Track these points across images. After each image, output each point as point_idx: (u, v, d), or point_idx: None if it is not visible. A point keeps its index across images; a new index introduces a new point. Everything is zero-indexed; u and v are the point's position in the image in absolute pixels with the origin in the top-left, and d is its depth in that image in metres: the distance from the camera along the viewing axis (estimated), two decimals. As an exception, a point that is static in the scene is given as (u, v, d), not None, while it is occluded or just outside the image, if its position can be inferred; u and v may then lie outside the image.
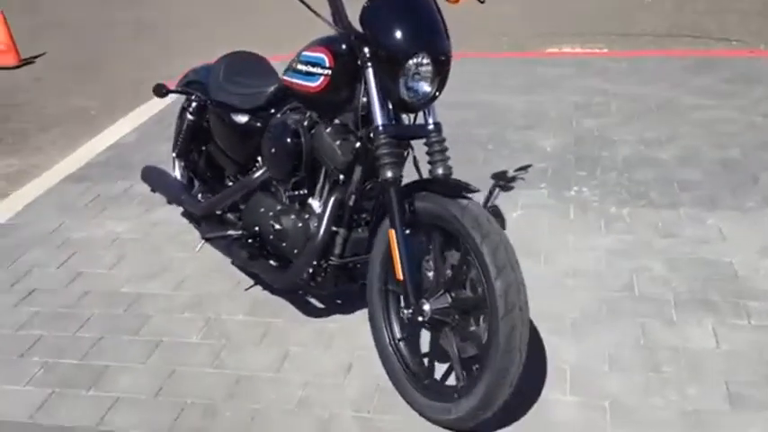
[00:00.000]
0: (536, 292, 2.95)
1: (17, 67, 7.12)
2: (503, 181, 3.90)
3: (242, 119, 2.96)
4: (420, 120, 2.50)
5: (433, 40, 2.36)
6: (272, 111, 2.86)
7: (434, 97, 2.42)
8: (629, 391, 2.46)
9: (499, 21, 7.88)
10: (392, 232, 2.33)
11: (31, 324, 2.99)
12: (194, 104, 3.20)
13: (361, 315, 2.72)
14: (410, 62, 2.31)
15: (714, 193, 3.71)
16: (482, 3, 2.83)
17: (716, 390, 2.45)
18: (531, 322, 2.27)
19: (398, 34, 2.31)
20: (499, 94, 5.27)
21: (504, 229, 3.45)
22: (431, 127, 2.47)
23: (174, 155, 3.35)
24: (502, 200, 3.74)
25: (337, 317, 2.94)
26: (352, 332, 2.83)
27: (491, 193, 3.79)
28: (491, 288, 2.12)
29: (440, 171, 2.45)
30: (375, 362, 2.55)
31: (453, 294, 2.29)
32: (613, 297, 2.95)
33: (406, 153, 2.55)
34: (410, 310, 2.32)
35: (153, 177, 3.45)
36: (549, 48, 6.75)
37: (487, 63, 6.09)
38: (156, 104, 5.47)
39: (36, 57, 7.44)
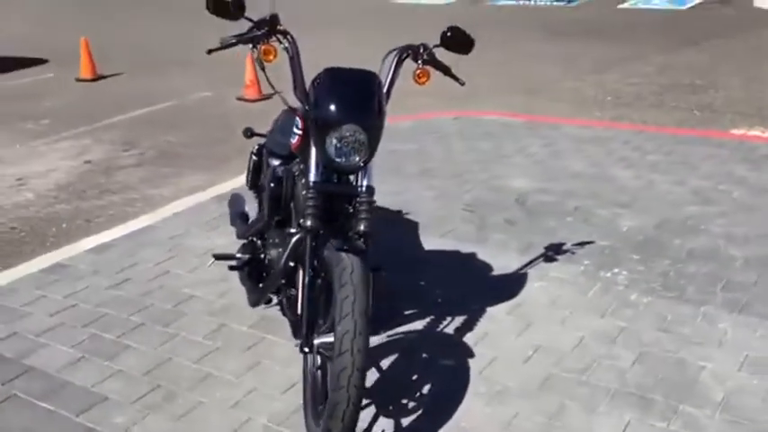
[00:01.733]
0: (494, 358, 3.13)
1: (256, 101, 8.31)
2: (551, 252, 3.98)
3: (274, 162, 3.47)
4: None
5: (359, 114, 2.68)
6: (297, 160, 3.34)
7: (360, 165, 2.73)
8: (498, 459, 2.56)
9: (708, 93, 7.57)
10: (300, 272, 2.70)
11: (107, 304, 3.73)
12: (256, 146, 3.77)
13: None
14: (336, 131, 2.66)
15: (757, 299, 3.47)
16: (462, 85, 3.08)
17: (582, 479, 2.46)
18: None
19: (328, 106, 2.67)
20: (623, 170, 5.21)
21: (513, 296, 3.58)
22: (361, 189, 2.77)
23: (247, 187, 3.94)
24: (536, 270, 3.83)
25: (317, 343, 3.31)
26: (318, 358, 3.19)
27: (531, 261, 3.90)
28: (335, 330, 2.41)
29: (360, 227, 2.74)
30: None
31: None
32: (558, 376, 2.99)
33: (350, 208, 2.87)
34: (299, 341, 2.65)
35: (232, 202, 4.07)
36: (738, 128, 6.40)
37: (645, 137, 5.97)
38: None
39: (275, 93, 8.58)
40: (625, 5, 13.89)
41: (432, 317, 3.46)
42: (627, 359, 3.07)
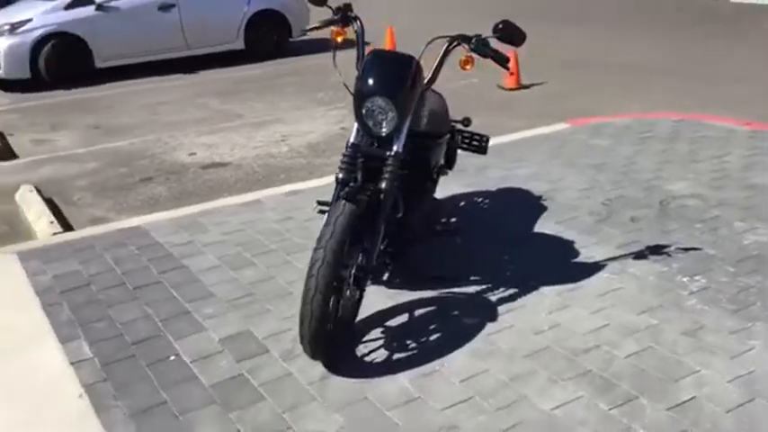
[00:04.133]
0: (511, 326, 3.39)
1: (512, 89, 8.72)
2: (648, 251, 3.98)
3: None
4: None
5: (386, 90, 3.15)
6: None
7: (383, 132, 3.19)
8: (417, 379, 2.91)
9: None
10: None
11: (262, 233, 4.59)
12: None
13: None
14: (366, 101, 3.17)
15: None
16: (508, 70, 3.37)
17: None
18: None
19: (364, 80, 3.20)
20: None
21: (575, 281, 3.73)
22: (389, 153, 3.23)
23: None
24: (618, 264, 3.89)
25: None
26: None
27: (620, 256, 3.96)
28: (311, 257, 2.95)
29: (381, 185, 3.21)
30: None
31: None
32: (552, 349, 3.17)
33: (384, 168, 3.30)
34: None
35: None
36: None
37: None
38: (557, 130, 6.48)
39: (533, 85, 8.91)
40: None
41: (489, 284, 3.76)
42: (627, 351, 3.13)
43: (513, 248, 4.16)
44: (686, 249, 3.99)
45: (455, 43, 3.41)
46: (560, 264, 3.95)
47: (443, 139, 4.13)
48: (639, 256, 3.95)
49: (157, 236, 4.65)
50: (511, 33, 3.34)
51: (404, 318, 3.51)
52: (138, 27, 10.72)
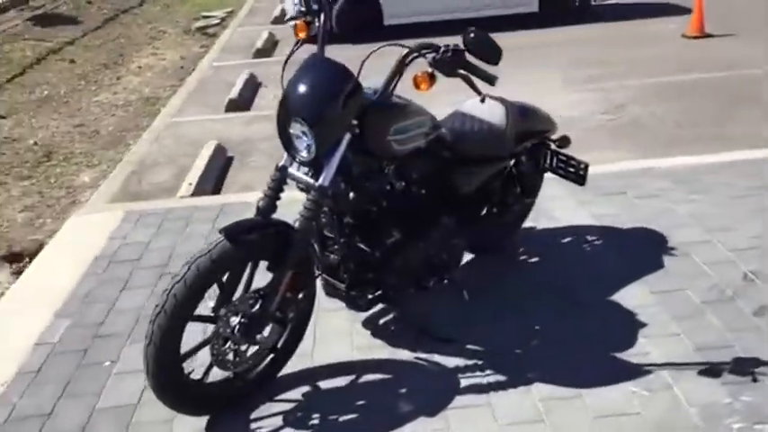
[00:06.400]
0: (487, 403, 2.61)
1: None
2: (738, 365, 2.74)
3: None
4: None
5: (303, 109, 2.51)
6: None
7: (301, 160, 2.55)
8: None
9: None
10: None
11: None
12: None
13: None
14: (285, 121, 2.56)
15: None
16: (482, 99, 2.52)
17: None
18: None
19: (285, 95, 2.59)
20: None
21: (606, 380, 2.72)
22: (313, 184, 2.60)
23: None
24: (675, 373, 2.72)
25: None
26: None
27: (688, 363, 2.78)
28: None
29: (296, 225, 2.61)
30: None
31: None
32: None
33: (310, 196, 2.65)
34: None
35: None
36: None
37: None
38: None
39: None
40: None
41: (474, 362, 2.92)
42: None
43: (550, 319, 3.16)
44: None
45: (413, 55, 2.59)
46: (587, 357, 2.90)
47: (496, 163, 3.30)
48: (711, 371, 2.74)
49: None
50: (481, 47, 2.44)
51: (344, 381, 2.88)
52: (427, -13, 10.52)
